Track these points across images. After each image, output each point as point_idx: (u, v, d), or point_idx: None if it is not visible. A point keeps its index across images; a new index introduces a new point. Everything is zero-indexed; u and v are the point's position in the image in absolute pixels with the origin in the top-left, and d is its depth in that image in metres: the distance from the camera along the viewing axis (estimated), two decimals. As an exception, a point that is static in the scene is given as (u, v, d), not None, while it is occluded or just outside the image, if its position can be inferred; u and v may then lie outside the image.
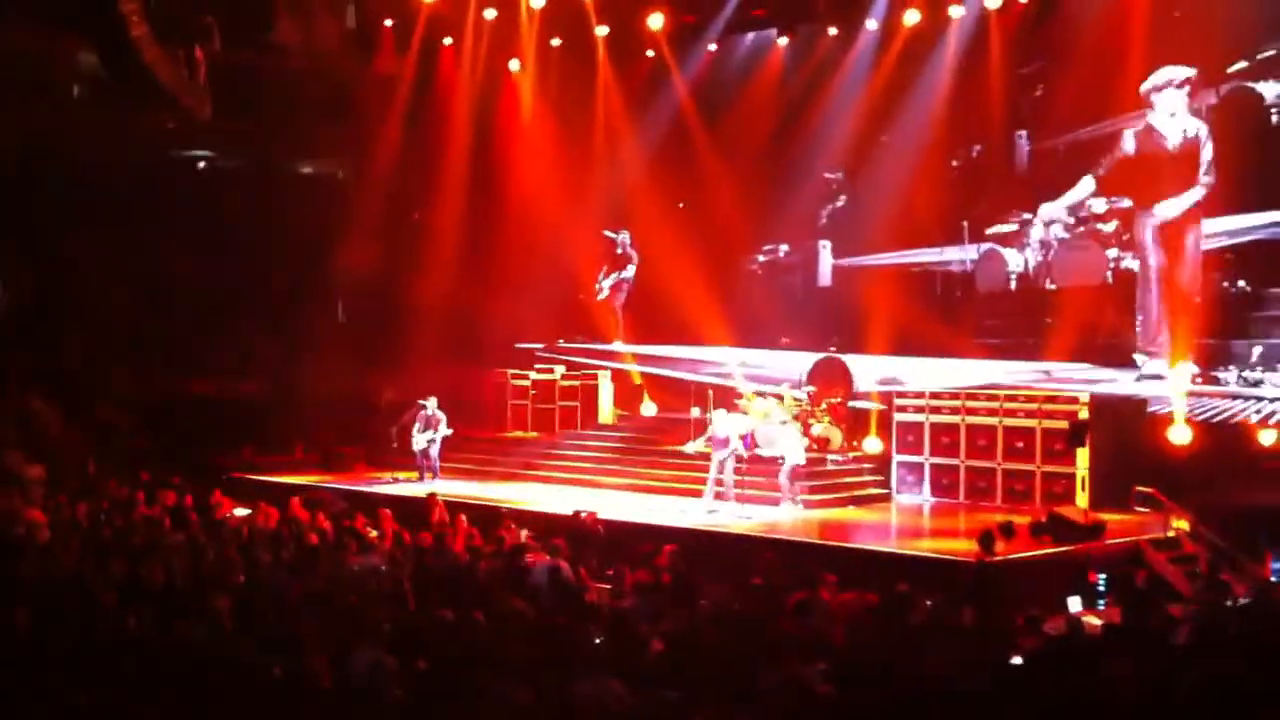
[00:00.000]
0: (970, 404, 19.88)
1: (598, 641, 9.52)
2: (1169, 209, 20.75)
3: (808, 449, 19.25)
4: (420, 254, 25.71)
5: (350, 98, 25.48)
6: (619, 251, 26.22)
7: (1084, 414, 18.60)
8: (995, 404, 19.61)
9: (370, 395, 25.63)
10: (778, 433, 18.87)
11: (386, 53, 25.66)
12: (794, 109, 25.29)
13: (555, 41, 26.08)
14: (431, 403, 21.50)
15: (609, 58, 25.80)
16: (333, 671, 8.51)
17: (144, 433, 23.22)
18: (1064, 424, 18.54)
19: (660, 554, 13.50)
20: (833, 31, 24.36)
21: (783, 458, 18.56)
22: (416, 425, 21.50)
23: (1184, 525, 16.16)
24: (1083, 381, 20.41)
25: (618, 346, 25.50)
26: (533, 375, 24.71)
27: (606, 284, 26.42)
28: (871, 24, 23.51)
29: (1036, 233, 23.10)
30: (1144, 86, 20.79)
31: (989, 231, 23.74)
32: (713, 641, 9.39)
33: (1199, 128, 20.52)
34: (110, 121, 23.52)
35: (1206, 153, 20.36)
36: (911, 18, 22.92)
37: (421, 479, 21.19)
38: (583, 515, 16.30)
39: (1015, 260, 23.44)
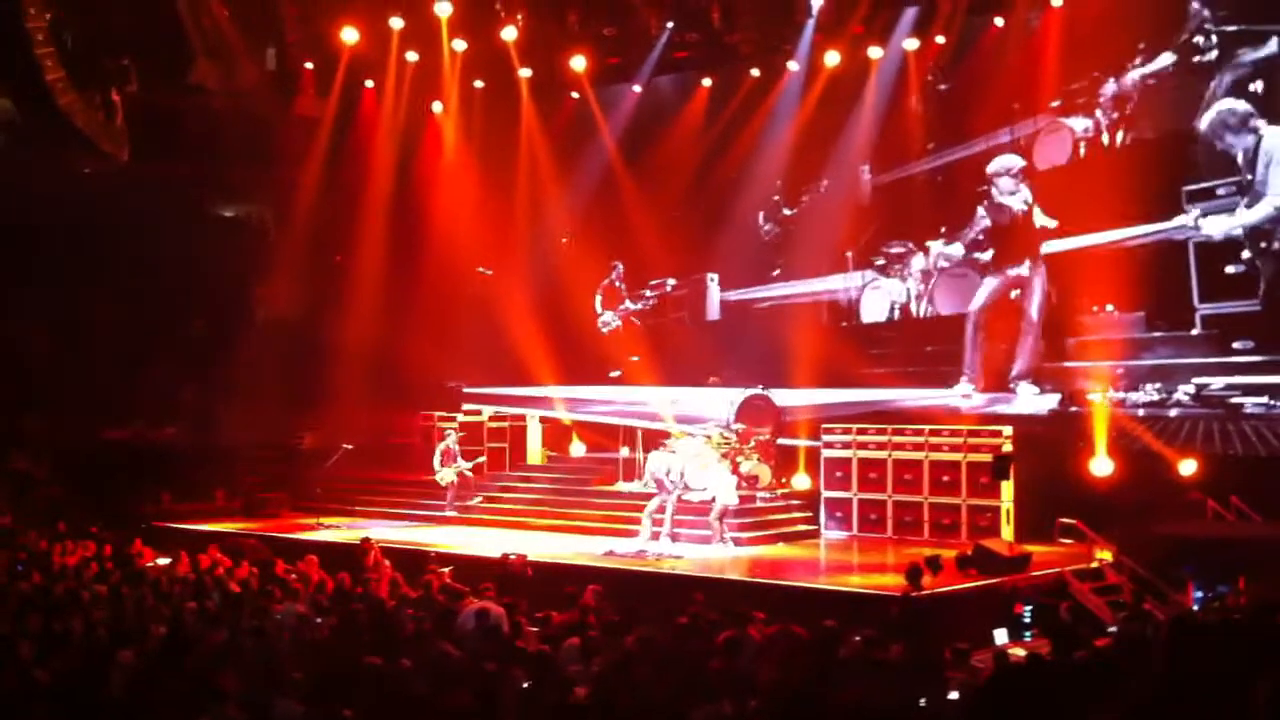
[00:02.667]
0: (897, 439, 20.08)
1: (526, 685, 9.43)
2: (1014, 268, 22.07)
3: (737, 487, 19.30)
4: (343, 296, 25.51)
5: (271, 140, 25.24)
6: (614, 284, 26.30)
7: (1007, 447, 18.81)
8: (921, 439, 19.83)
9: (293, 440, 25.33)
10: (708, 473, 18.84)
11: (307, 94, 25.46)
12: (717, 147, 25.45)
13: (478, 83, 26.08)
14: (452, 436, 22.04)
15: (532, 99, 25.84)
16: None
17: (62, 481, 22.76)
18: (988, 457, 18.73)
19: (586, 595, 13.39)
20: (755, 73, 24.56)
21: (714, 499, 18.57)
22: (437, 459, 21.85)
23: (1107, 556, 16.33)
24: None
25: (547, 391, 25.35)
26: (460, 417, 24.50)
27: (612, 316, 26.40)
28: (793, 65, 23.74)
29: (918, 263, 23.64)
30: (988, 168, 22.36)
31: (873, 262, 24.29)
32: (642, 682, 9.33)
33: (1028, 197, 21.99)
34: (26, 164, 23.16)
35: (1039, 217, 21.79)
36: (832, 59, 23.19)
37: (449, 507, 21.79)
38: (511, 558, 16.15)
39: (897, 290, 23.96)
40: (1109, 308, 20.81)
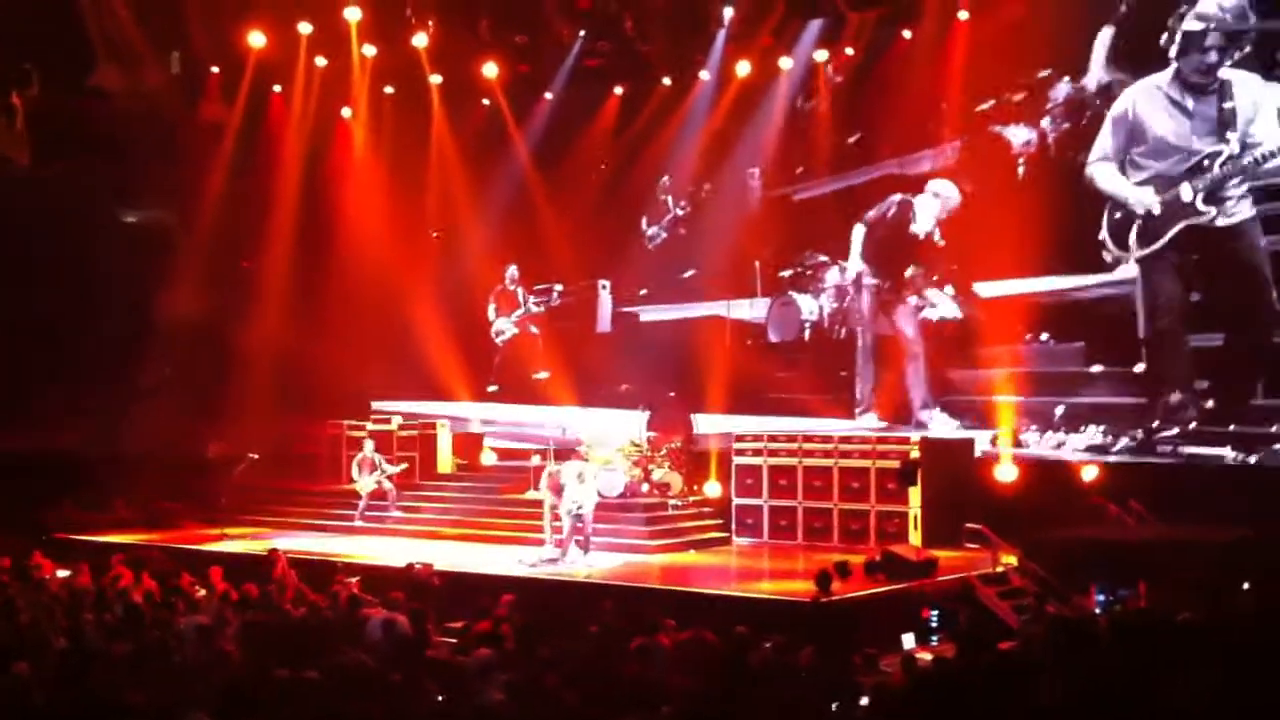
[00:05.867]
0: (807, 446, 20.20)
1: (439, 698, 9.36)
2: (922, 295, 21.57)
3: (648, 494, 19.35)
4: (250, 302, 25.13)
5: (177, 144, 24.78)
6: (509, 288, 26.24)
7: (915, 453, 19.02)
8: (830, 446, 19.98)
9: (197, 448, 24.86)
10: (598, 481, 18.67)
11: (213, 99, 25.07)
12: (629, 155, 25.51)
13: (388, 89, 25.88)
14: (369, 445, 21.99)
15: (443, 106, 25.70)
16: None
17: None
18: (896, 464, 18.92)
19: (498, 605, 13.33)
20: (667, 82, 24.64)
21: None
22: (356, 469, 21.79)
23: (1012, 560, 16.58)
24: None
25: (459, 409, 25.05)
26: (369, 425, 24.24)
27: (507, 324, 26.26)
28: (705, 75, 23.87)
29: (833, 277, 22.81)
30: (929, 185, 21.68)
31: (782, 275, 23.48)
32: (555, 691, 9.29)
33: (929, 225, 21.33)
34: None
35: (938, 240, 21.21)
36: (743, 69, 23.35)
37: (360, 518, 21.60)
38: (417, 567, 16.00)
39: (809, 306, 23.01)
40: (1044, 337, 20.19)
